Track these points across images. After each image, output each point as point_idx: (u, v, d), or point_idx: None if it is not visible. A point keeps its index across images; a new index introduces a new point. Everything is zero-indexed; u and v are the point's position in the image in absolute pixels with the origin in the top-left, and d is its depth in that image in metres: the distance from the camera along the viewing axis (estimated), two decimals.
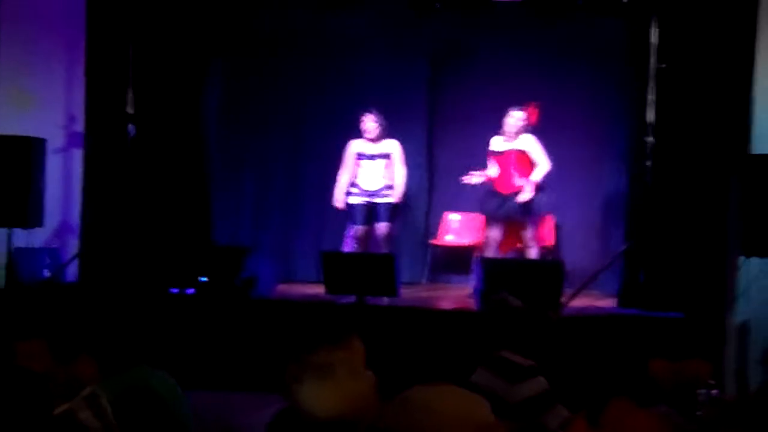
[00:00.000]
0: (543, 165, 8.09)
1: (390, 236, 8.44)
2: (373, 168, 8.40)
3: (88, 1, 8.37)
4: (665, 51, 7.43)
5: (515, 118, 8.08)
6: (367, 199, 8.41)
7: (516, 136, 8.11)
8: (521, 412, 3.62)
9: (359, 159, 8.43)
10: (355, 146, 8.46)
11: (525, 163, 8.16)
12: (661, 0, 7.49)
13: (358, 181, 8.44)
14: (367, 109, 8.42)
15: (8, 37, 8.46)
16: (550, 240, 8.99)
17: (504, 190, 8.18)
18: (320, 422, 2.53)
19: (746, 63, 7.22)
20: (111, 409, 2.60)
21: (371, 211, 8.42)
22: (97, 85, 8.41)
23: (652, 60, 7.45)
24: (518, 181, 8.12)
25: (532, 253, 8.18)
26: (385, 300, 7.47)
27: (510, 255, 8.43)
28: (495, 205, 8.21)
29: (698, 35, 7.33)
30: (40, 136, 8.01)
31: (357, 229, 8.45)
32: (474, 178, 8.19)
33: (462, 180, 8.25)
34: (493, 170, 8.21)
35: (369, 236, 8.49)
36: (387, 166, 8.41)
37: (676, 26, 7.43)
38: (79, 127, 8.54)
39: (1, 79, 8.46)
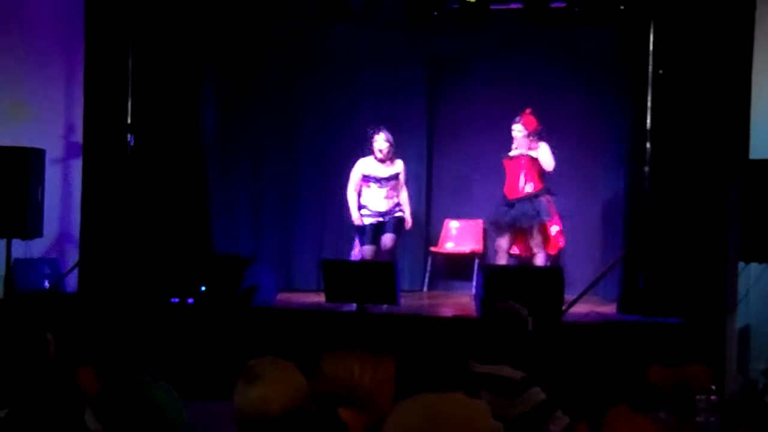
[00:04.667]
0: (549, 167, 8.21)
1: (393, 248, 8.35)
2: (383, 191, 8.28)
3: (87, 12, 8.38)
4: (662, 57, 7.44)
5: (516, 130, 8.17)
6: (380, 219, 8.32)
7: (529, 146, 8.17)
8: (522, 426, 3.60)
9: (367, 181, 8.29)
10: (363, 167, 8.31)
11: (535, 169, 8.23)
12: (658, 6, 7.50)
13: (366, 203, 8.31)
14: (377, 127, 8.28)
15: (6, 48, 8.48)
16: (557, 247, 8.99)
17: (511, 195, 8.23)
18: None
19: (744, 68, 7.22)
20: (111, 419, 2.61)
21: (379, 228, 8.34)
22: (95, 95, 8.41)
23: (650, 66, 7.46)
24: (527, 187, 8.18)
25: (539, 259, 8.20)
26: (385, 308, 7.47)
27: (513, 261, 8.45)
28: (502, 212, 8.24)
29: (695, 41, 7.33)
30: (39, 146, 8.02)
31: (365, 249, 8.31)
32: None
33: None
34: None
35: (378, 254, 8.43)
36: (395, 187, 8.33)
37: (673, 32, 7.43)
38: (78, 137, 8.54)
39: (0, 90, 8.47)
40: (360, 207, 8.35)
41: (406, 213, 8.38)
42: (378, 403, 2.98)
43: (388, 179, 8.28)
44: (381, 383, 3.01)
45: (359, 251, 8.46)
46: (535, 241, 8.19)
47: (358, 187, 8.35)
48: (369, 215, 8.32)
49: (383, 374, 3.03)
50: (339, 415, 2.94)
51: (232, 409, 2.69)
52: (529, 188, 8.21)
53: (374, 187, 8.29)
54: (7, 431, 2.51)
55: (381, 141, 8.21)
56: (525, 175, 8.23)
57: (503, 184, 8.38)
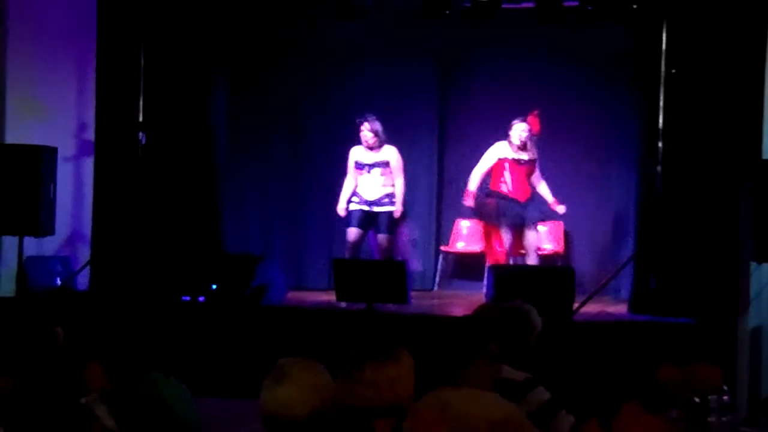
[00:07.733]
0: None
1: (389, 248, 8.33)
2: (370, 177, 8.30)
3: (99, 11, 8.41)
4: (675, 56, 7.42)
5: (519, 129, 8.12)
6: (367, 207, 8.33)
7: (527, 146, 8.16)
8: None
9: (360, 168, 8.35)
10: (354, 154, 8.38)
11: (533, 172, 8.27)
12: (671, 4, 7.48)
13: (358, 190, 8.37)
14: (364, 117, 8.30)
15: (20, 47, 8.50)
16: (559, 246, 8.98)
17: (521, 198, 8.23)
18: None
19: (757, 67, 7.19)
20: (122, 416, 2.61)
21: (369, 219, 8.35)
22: (107, 93, 8.44)
23: (662, 65, 7.43)
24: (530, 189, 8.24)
25: (531, 259, 8.19)
26: (396, 307, 7.47)
27: (514, 261, 8.46)
28: (506, 211, 8.24)
29: (708, 39, 7.31)
30: (52, 144, 8.04)
31: (350, 231, 8.33)
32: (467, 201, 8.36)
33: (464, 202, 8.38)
34: (473, 184, 8.29)
35: (362, 241, 8.41)
36: (385, 174, 8.33)
37: (685, 30, 7.41)
38: (90, 135, 8.57)
39: (12, 89, 8.49)
40: (353, 195, 8.38)
41: (397, 202, 8.33)
42: (407, 407, 2.92)
43: (372, 165, 8.28)
44: (411, 386, 2.95)
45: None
46: (528, 241, 8.20)
47: (353, 176, 8.39)
48: (357, 202, 8.36)
49: (411, 377, 2.97)
50: (374, 426, 2.86)
51: (260, 405, 2.67)
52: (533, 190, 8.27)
53: (364, 173, 8.32)
54: (13, 428, 2.52)
55: (365, 131, 8.24)
56: (528, 178, 8.24)
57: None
